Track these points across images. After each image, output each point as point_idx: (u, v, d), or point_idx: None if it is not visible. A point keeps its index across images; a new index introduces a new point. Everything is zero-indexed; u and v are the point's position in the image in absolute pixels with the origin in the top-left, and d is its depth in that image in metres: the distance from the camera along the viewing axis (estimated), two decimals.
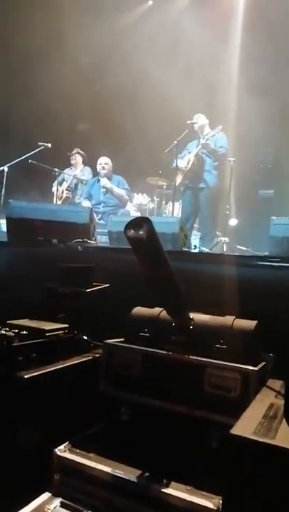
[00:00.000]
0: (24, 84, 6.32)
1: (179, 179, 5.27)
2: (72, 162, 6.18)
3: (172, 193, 5.51)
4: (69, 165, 6.25)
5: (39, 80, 6.20)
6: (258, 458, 0.92)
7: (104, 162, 5.49)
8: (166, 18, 6.25)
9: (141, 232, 1.12)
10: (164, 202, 6.51)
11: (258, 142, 6.44)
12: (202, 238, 5.05)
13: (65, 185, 5.97)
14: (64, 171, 6.08)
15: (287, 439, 0.92)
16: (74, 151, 6.17)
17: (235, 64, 6.22)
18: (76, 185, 6.02)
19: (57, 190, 5.94)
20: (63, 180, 6.06)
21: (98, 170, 5.53)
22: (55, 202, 5.79)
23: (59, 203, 5.86)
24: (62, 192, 5.95)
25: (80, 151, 6.16)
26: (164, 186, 6.36)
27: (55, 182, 5.90)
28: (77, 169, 6.13)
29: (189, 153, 5.22)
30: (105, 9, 6.27)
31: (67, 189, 5.92)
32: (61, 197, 5.95)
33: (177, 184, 5.35)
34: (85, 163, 6.19)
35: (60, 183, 6.02)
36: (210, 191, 5.08)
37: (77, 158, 6.16)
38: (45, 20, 5.97)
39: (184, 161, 5.19)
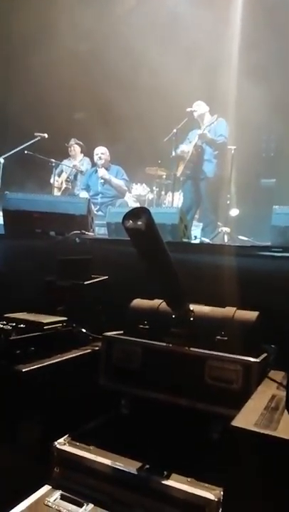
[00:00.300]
0: (19, 73, 6.21)
1: (180, 169, 5.22)
2: (71, 153, 6.11)
3: (172, 183, 5.45)
4: (67, 156, 6.17)
5: (34, 69, 6.08)
6: (259, 449, 0.91)
7: (100, 152, 5.41)
8: (164, 2, 6.10)
9: (139, 223, 1.10)
10: (163, 192, 6.45)
11: (259, 130, 6.34)
12: (204, 229, 5.01)
13: (64, 176, 5.91)
14: (62, 162, 6.00)
15: (288, 431, 0.91)
16: (71, 142, 6.09)
17: (236, 49, 6.08)
18: (75, 175, 5.95)
19: (56, 181, 5.87)
20: (62, 171, 5.99)
21: (95, 160, 5.46)
22: (54, 193, 5.74)
23: (58, 194, 5.80)
24: (62, 183, 5.89)
25: (78, 142, 6.09)
26: (164, 176, 6.29)
27: (54, 173, 5.83)
28: (76, 160, 6.05)
29: (190, 142, 5.14)
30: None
31: (66, 180, 5.86)
32: (60, 188, 5.89)
33: (178, 174, 5.29)
34: (84, 153, 6.12)
35: (59, 174, 5.96)
36: (210, 181, 5.02)
37: (75, 149, 6.08)
38: (40, 8, 5.83)
39: (183, 150, 5.12)
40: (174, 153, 5.17)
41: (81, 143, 6.08)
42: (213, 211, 5.05)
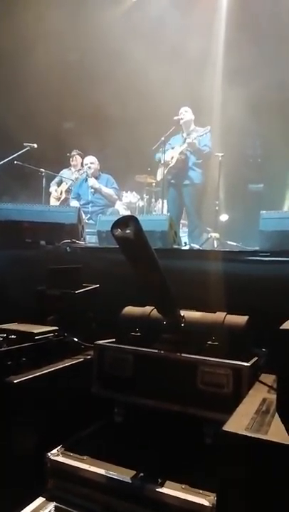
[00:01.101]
0: (7, 83, 6.22)
1: (160, 173, 5.29)
2: (73, 163, 6.14)
3: (161, 191, 5.50)
4: (65, 165, 6.21)
5: (22, 78, 6.10)
6: (251, 453, 0.91)
7: (90, 162, 5.45)
8: (150, 13, 6.20)
9: (128, 231, 1.11)
10: (153, 199, 6.48)
11: (245, 136, 6.44)
12: (190, 234, 5.06)
13: (64, 186, 5.94)
14: (62, 172, 6.05)
15: (279, 434, 0.92)
16: (74, 153, 6.14)
17: (220, 57, 6.20)
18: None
19: (55, 190, 5.93)
20: (61, 181, 6.04)
21: (84, 170, 5.49)
22: (51, 203, 5.78)
23: (57, 203, 5.85)
24: (61, 193, 5.92)
25: (80, 152, 6.13)
26: (153, 184, 6.33)
27: (53, 182, 5.91)
28: (77, 169, 6.09)
29: (172, 148, 5.21)
30: (88, 4, 6.20)
31: (66, 190, 5.89)
32: (59, 198, 5.93)
33: (159, 179, 5.36)
34: (83, 165, 6.15)
35: (59, 184, 6.02)
36: (194, 187, 5.11)
37: (77, 159, 6.13)
38: (27, 17, 5.87)
39: (167, 156, 5.20)
40: (160, 160, 5.23)
41: (82, 153, 6.12)
42: (197, 216, 5.12)
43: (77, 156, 6.10)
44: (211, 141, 5.07)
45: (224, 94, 5.94)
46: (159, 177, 5.43)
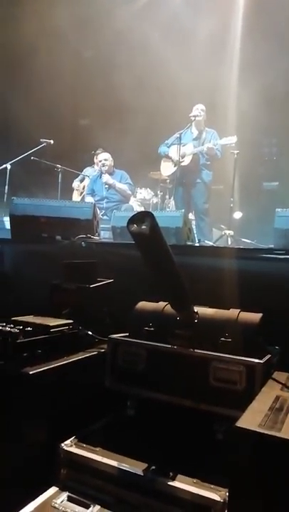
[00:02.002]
0: (23, 80, 6.29)
1: (166, 168, 5.30)
2: (97, 161, 6.22)
3: (174, 187, 5.49)
4: (82, 161, 6.29)
5: (39, 76, 6.17)
6: (263, 450, 0.91)
7: (103, 158, 5.48)
8: (165, 8, 6.16)
9: (144, 227, 1.12)
10: (167, 196, 6.47)
11: (260, 134, 6.37)
12: (199, 232, 5.07)
13: (87, 181, 6.06)
14: (85, 170, 6.18)
15: None
16: (98, 151, 6.21)
17: (237, 53, 6.13)
18: None
19: (78, 186, 6.11)
20: (83, 178, 6.18)
21: (99, 166, 5.53)
22: (73, 197, 5.95)
23: (79, 198, 6.02)
24: (84, 188, 6.07)
25: (104, 151, 6.19)
26: (167, 180, 6.32)
27: (77, 179, 6.11)
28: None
29: (183, 145, 5.17)
30: (104, 3, 6.20)
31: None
32: (82, 192, 6.08)
33: (167, 174, 5.38)
34: None
35: (82, 180, 6.18)
36: (204, 186, 5.17)
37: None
38: (43, 15, 5.92)
39: (174, 152, 5.18)
40: (166, 152, 5.20)
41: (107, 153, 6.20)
42: (206, 214, 5.19)
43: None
44: (222, 148, 5.14)
45: (240, 91, 5.87)
46: (164, 171, 5.44)
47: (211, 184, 5.26)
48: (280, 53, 5.63)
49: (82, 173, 6.12)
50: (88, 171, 6.18)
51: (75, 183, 6.16)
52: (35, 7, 5.84)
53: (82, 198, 5.87)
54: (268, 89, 5.54)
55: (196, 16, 5.83)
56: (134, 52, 6.00)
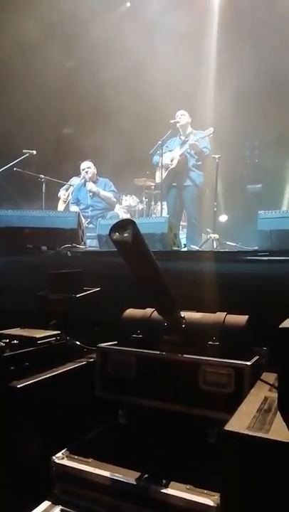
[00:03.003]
0: (5, 90, 6.27)
1: (159, 175, 5.33)
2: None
3: (160, 193, 5.53)
4: (72, 172, 6.28)
5: (20, 85, 6.16)
6: (253, 452, 0.92)
7: (86, 166, 5.50)
8: (144, 18, 6.26)
9: (126, 235, 1.13)
10: (153, 202, 6.51)
11: (242, 137, 6.48)
12: (189, 236, 5.09)
13: (71, 190, 6.03)
14: (71, 180, 6.14)
15: (281, 432, 0.92)
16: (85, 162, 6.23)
17: (214, 58, 6.26)
18: None
19: (63, 195, 6.06)
20: (70, 186, 6.15)
21: (82, 175, 5.53)
22: (59, 207, 5.92)
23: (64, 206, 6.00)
24: (69, 196, 6.03)
25: (90, 161, 6.21)
26: (152, 187, 6.36)
27: (63, 188, 6.07)
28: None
29: (170, 151, 5.24)
30: (85, 13, 6.26)
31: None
32: (65, 201, 6.04)
33: (158, 182, 5.41)
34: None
35: (67, 189, 6.14)
36: (194, 189, 5.15)
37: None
38: (26, 22, 5.93)
39: (166, 159, 5.23)
40: (158, 163, 5.27)
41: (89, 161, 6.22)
42: (198, 218, 5.16)
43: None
44: (209, 143, 5.11)
45: (219, 95, 5.98)
46: (158, 180, 5.47)
47: (203, 186, 5.20)
48: (259, 58, 5.77)
49: (69, 182, 6.09)
50: (74, 180, 6.17)
51: (61, 192, 6.12)
52: (14, 15, 5.84)
53: (67, 207, 5.84)
54: (247, 92, 5.65)
55: (174, 27, 5.92)
56: (115, 59, 6.06)
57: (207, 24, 6.18)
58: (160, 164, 5.21)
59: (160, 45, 5.92)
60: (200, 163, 5.14)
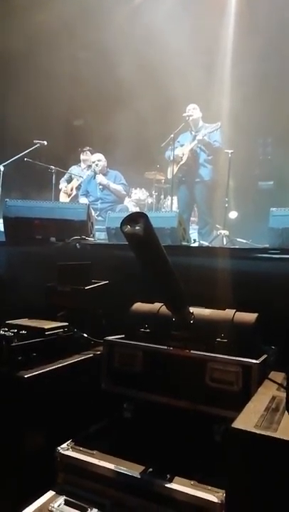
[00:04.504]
0: (18, 81, 6.27)
1: (171, 170, 5.28)
2: (84, 158, 6.15)
3: (170, 187, 5.49)
4: (74, 162, 6.24)
5: (33, 76, 6.15)
6: (260, 451, 0.91)
7: (97, 159, 5.48)
8: (158, 11, 6.17)
9: (137, 228, 1.11)
10: (162, 196, 6.47)
11: (255, 133, 6.39)
12: (200, 232, 5.05)
13: (75, 182, 5.99)
14: (70, 168, 6.08)
15: None
16: (86, 148, 6.18)
17: (230, 53, 6.16)
18: None
19: (65, 186, 5.99)
20: (71, 177, 6.10)
21: (92, 167, 5.52)
22: (61, 198, 5.83)
23: (67, 199, 5.91)
24: (72, 189, 5.98)
25: (91, 149, 6.17)
26: (162, 180, 6.32)
27: (63, 178, 5.96)
28: (86, 164, 6.12)
29: (182, 145, 5.19)
30: (97, 7, 6.20)
31: (77, 187, 5.94)
32: (70, 194, 5.98)
33: (170, 177, 5.37)
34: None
35: (69, 181, 6.08)
36: (205, 185, 5.11)
37: (88, 155, 6.16)
38: (38, 18, 5.90)
39: (177, 154, 5.18)
40: (170, 157, 5.22)
41: (93, 150, 6.16)
42: (209, 214, 5.12)
43: (88, 152, 6.14)
44: (221, 137, 5.05)
45: (234, 90, 5.89)
46: (169, 175, 5.44)
47: (213, 182, 5.14)
48: (274, 51, 5.66)
49: (68, 171, 6.02)
50: (75, 169, 6.13)
51: (62, 184, 6.03)
52: (29, 6, 5.82)
53: (72, 200, 5.82)
54: (261, 88, 5.56)
55: (190, 20, 5.84)
56: (127, 55, 6.00)
57: (223, 18, 6.08)
58: (171, 159, 5.17)
59: (174, 39, 5.84)
60: (211, 157, 5.09)
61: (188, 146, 5.11)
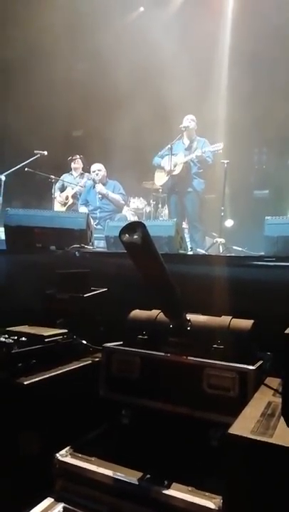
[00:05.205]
0: (18, 92, 6.37)
1: (160, 178, 5.39)
2: (75, 166, 6.19)
3: (167, 197, 5.56)
4: (66, 170, 6.28)
5: (33, 87, 6.24)
6: (256, 456, 0.92)
7: (97, 169, 5.55)
8: (157, 23, 6.31)
9: (135, 237, 1.15)
10: (160, 205, 6.53)
11: (251, 143, 6.49)
12: (191, 239, 5.12)
13: (69, 191, 6.02)
14: (62, 176, 6.12)
15: (284, 437, 0.93)
16: (76, 156, 6.23)
17: (226, 62, 6.30)
18: (81, 192, 6.06)
19: (59, 196, 6.01)
20: (64, 186, 6.12)
21: (92, 177, 5.58)
22: (55, 208, 5.84)
23: (63, 208, 5.94)
24: (67, 198, 6.01)
25: (82, 156, 6.22)
26: (160, 190, 6.39)
27: (55, 187, 5.92)
28: (77, 173, 6.17)
29: (174, 155, 5.27)
30: (98, 16, 6.33)
31: (73, 196, 5.98)
32: (65, 203, 6.01)
33: (160, 184, 5.49)
34: (84, 170, 6.25)
35: (62, 190, 6.09)
36: (196, 194, 5.24)
37: (79, 163, 6.22)
38: (38, 28, 6.02)
39: (166, 162, 5.26)
40: (159, 163, 5.28)
41: (83, 157, 6.22)
42: (199, 222, 5.24)
43: (79, 160, 6.19)
44: (212, 154, 5.21)
45: (229, 100, 6.00)
46: (157, 181, 5.54)
47: (204, 193, 5.33)
48: (270, 61, 5.78)
49: (61, 178, 6.02)
50: (67, 177, 6.17)
51: (56, 193, 5.95)
52: (29, 16, 5.93)
53: (68, 209, 5.85)
54: (257, 98, 5.67)
55: (187, 31, 5.97)
56: (126, 62, 6.11)
57: (220, 29, 6.21)
58: (165, 168, 5.27)
59: (171, 48, 5.96)
60: (201, 171, 5.24)
61: (183, 158, 5.21)
